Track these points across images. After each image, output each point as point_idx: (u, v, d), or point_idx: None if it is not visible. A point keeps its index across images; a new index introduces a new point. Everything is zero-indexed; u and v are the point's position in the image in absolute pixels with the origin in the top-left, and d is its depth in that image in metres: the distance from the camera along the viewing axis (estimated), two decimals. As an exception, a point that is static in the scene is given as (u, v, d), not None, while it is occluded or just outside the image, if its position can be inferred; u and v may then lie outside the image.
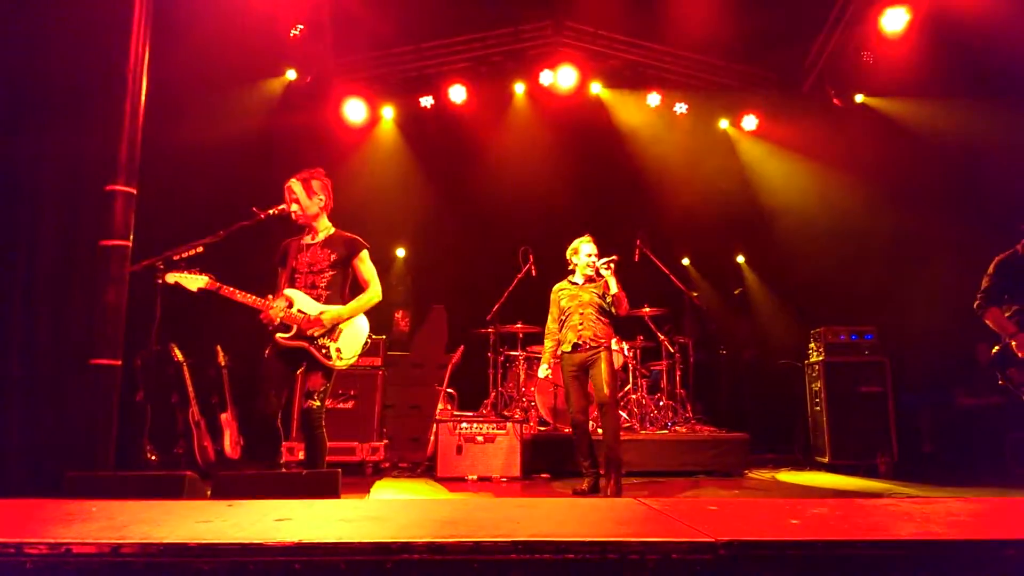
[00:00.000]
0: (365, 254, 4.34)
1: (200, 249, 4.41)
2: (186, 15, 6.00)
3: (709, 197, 9.50)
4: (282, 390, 4.14)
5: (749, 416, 8.44)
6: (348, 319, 4.15)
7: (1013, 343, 4.64)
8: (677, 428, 7.31)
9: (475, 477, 6.32)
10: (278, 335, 4.08)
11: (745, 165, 9.63)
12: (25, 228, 5.23)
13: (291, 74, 8.43)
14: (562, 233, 9.03)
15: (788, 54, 8.83)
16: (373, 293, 4.27)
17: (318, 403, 4.09)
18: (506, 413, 7.17)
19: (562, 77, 8.93)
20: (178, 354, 6.34)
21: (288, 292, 4.15)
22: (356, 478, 5.80)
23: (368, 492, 5.63)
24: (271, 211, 4.55)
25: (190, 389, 6.33)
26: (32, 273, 5.23)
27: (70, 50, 5.37)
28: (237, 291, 4.11)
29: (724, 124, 9.72)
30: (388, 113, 9.44)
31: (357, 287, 4.33)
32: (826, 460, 7.31)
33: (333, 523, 1.86)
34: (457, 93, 9.08)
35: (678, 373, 7.71)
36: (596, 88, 9.40)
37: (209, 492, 3.16)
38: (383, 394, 7.24)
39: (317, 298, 4.14)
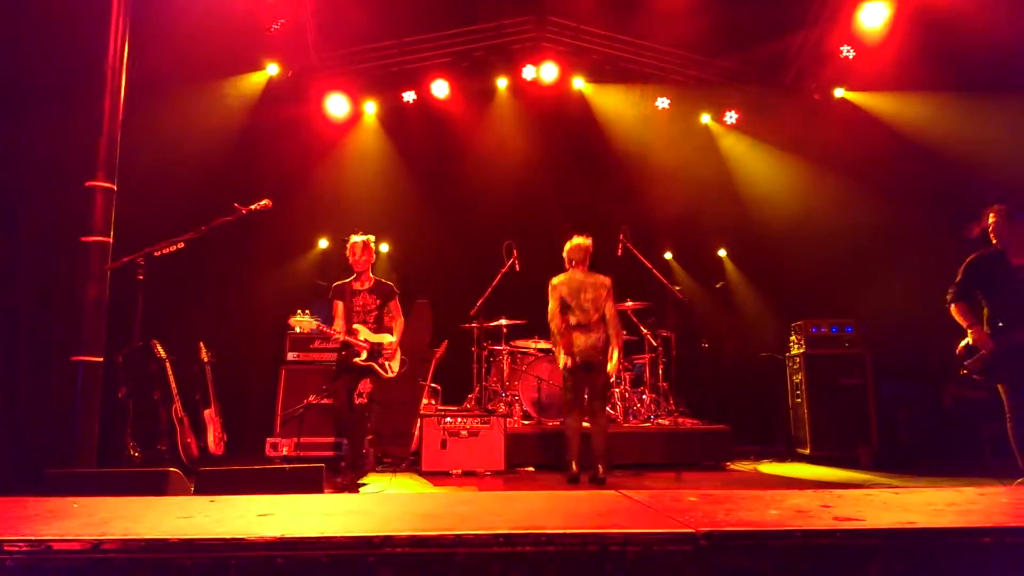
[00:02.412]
0: (397, 297, 5.91)
1: (181, 245, 4.41)
2: (165, 9, 5.94)
3: (691, 191, 9.53)
4: (343, 393, 5.55)
5: (731, 409, 8.51)
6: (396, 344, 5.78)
7: (970, 332, 4.76)
8: (660, 421, 7.36)
9: (459, 471, 6.33)
10: (355, 359, 5.57)
11: (727, 159, 9.68)
12: (3, 224, 5.17)
13: (272, 69, 8.37)
14: (546, 227, 9.05)
15: (769, 49, 8.88)
16: (402, 324, 5.88)
17: (368, 400, 5.57)
18: (490, 407, 7.18)
19: (544, 72, 8.94)
20: (161, 350, 6.29)
21: (356, 327, 5.63)
22: (338, 476, 5.81)
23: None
24: (252, 207, 4.54)
25: (173, 385, 6.28)
26: (11, 269, 5.17)
27: (48, 45, 5.31)
28: (334, 330, 5.57)
29: (706, 119, 9.76)
30: (370, 108, 9.40)
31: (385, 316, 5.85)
32: (807, 451, 7.38)
33: (316, 517, 1.86)
34: (440, 88, 9.07)
35: (661, 366, 7.76)
36: (578, 83, 9.40)
37: (192, 488, 3.15)
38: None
39: (371, 330, 5.68)
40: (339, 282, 5.85)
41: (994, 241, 4.89)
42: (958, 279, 4.91)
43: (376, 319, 5.73)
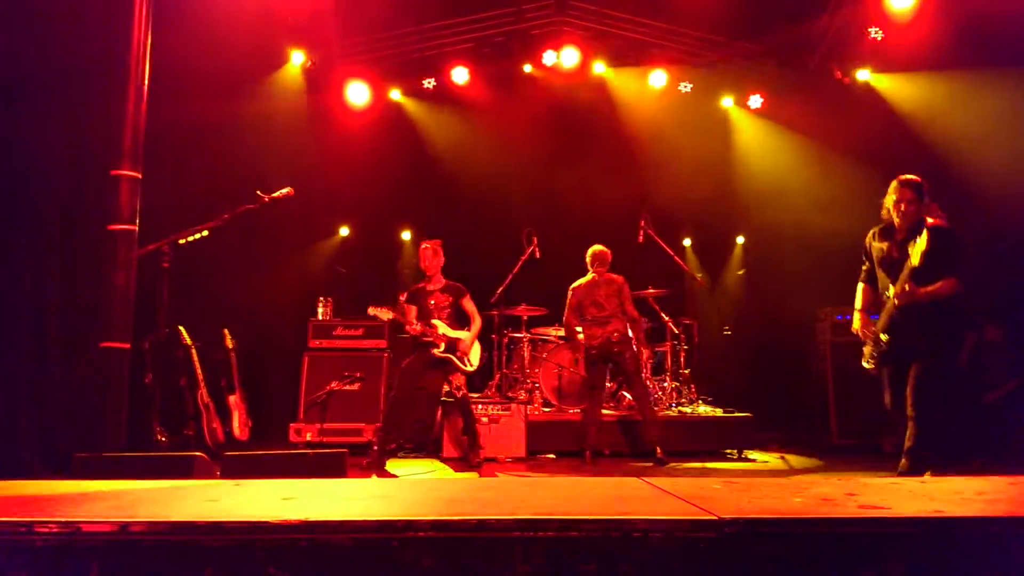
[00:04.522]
0: (468, 296, 6.26)
1: (205, 232, 4.44)
2: (188, -2, 5.97)
3: (714, 177, 9.45)
4: (407, 384, 5.98)
5: (754, 396, 8.44)
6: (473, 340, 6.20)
7: (855, 319, 4.59)
8: (682, 409, 7.32)
9: (482, 458, 6.36)
10: (434, 350, 5.95)
11: (750, 144, 9.55)
12: (31, 212, 5.24)
13: (295, 57, 8.39)
14: (566, 214, 9.01)
15: (794, 32, 8.72)
16: (479, 322, 6.28)
17: (465, 390, 6.07)
18: (511, 395, 7.19)
19: (565, 57, 8.85)
20: (186, 337, 6.36)
21: (435, 321, 6.01)
22: (364, 458, 5.86)
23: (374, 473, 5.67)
24: (274, 194, 4.56)
25: (198, 371, 6.35)
26: (40, 257, 5.25)
27: (73, 32, 5.35)
28: (411, 321, 5.95)
29: (728, 103, 9.64)
30: (391, 95, 9.40)
31: (463, 316, 6.25)
32: (832, 440, 7.31)
33: (339, 501, 1.88)
34: (460, 74, 9.03)
35: (682, 354, 7.71)
36: (599, 68, 9.30)
37: (218, 472, 3.19)
38: (389, 376, 7.27)
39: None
40: (412, 287, 6.36)
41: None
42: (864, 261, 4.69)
43: (449, 316, 6.11)
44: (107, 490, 1.99)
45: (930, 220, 4.27)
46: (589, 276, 6.50)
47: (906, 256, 4.23)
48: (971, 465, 5.80)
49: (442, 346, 5.94)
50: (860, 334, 4.55)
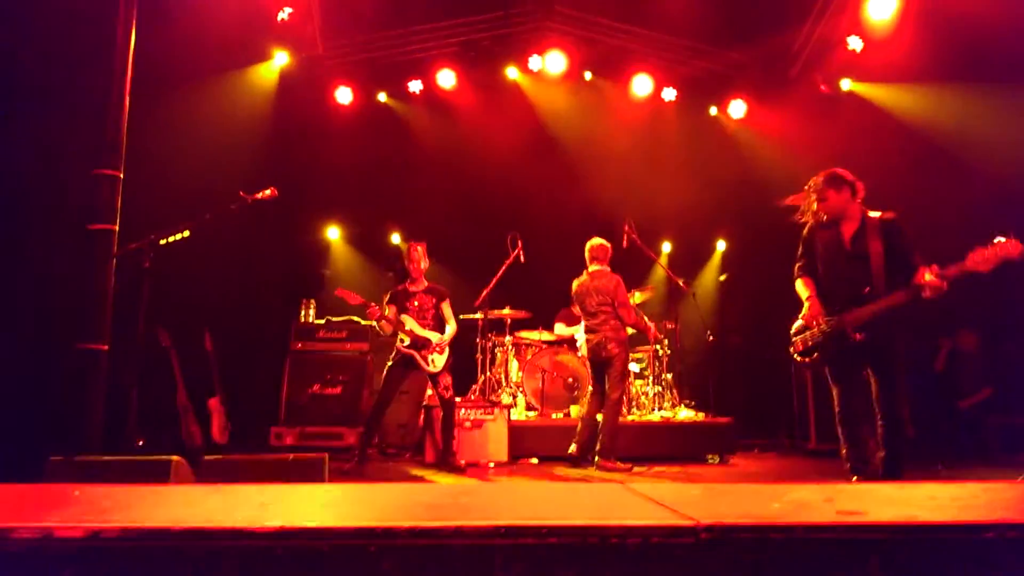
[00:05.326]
0: (448, 300, 6.25)
1: (187, 233, 4.41)
2: (172, -1, 5.94)
3: (698, 183, 9.50)
4: (392, 385, 6.00)
5: (736, 401, 8.48)
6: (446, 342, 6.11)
7: (805, 305, 4.35)
8: (664, 413, 7.35)
9: (463, 462, 6.34)
10: (399, 344, 5.95)
11: (732, 151, 9.63)
12: (8, 211, 5.18)
13: (279, 57, 8.36)
14: (551, 218, 9.02)
15: (776, 41, 8.81)
16: (454, 327, 6.19)
17: (452, 392, 6.09)
18: (494, 398, 7.19)
19: (551, 62, 8.90)
20: (166, 339, 6.30)
21: (404, 317, 6.00)
22: (345, 463, 5.82)
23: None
24: (257, 195, 4.54)
25: (178, 374, 6.29)
26: (17, 255, 5.18)
27: (56, 31, 5.30)
28: (373, 305, 5.86)
29: (713, 111, 9.72)
30: (377, 97, 9.38)
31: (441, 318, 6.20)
32: (812, 445, 7.37)
33: (317, 507, 1.86)
34: (446, 77, 9.04)
35: (665, 359, 7.74)
36: (585, 73, 9.35)
37: (196, 477, 3.15)
38: (371, 379, 7.24)
39: (424, 327, 6.04)
40: (395, 288, 6.33)
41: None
42: (798, 255, 4.55)
43: (434, 318, 6.13)
44: (80, 494, 1.96)
45: (874, 214, 4.29)
46: (584, 277, 6.43)
47: (862, 250, 4.16)
48: (935, 470, 5.86)
49: (407, 340, 5.92)
50: (814, 322, 4.27)
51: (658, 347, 7.71)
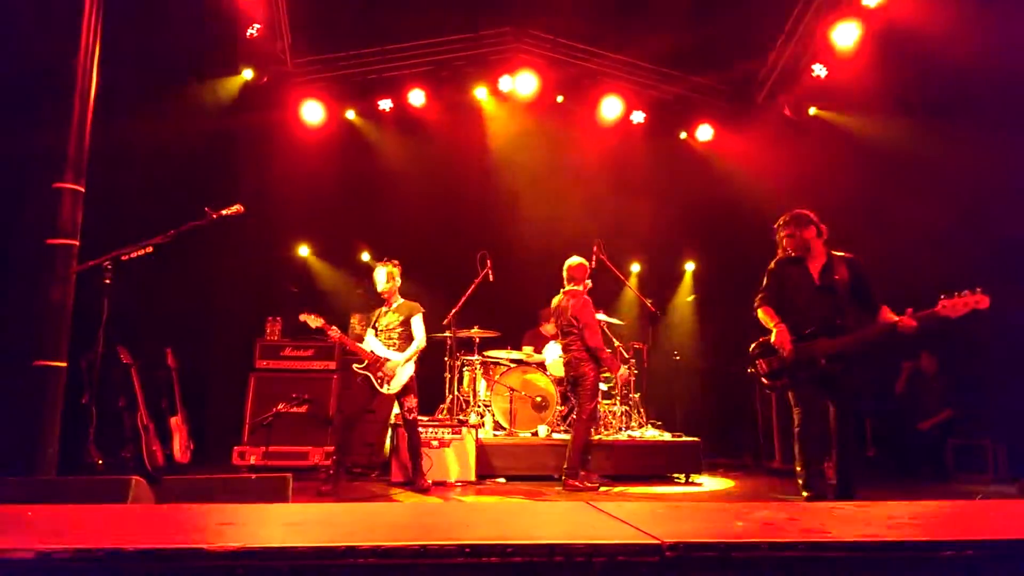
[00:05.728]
0: (418, 316, 6.11)
1: (150, 249, 4.35)
2: (139, 10, 5.87)
3: (667, 205, 9.62)
4: (356, 403, 5.98)
5: (702, 421, 8.56)
6: (403, 363, 5.96)
7: (774, 331, 4.59)
8: (631, 433, 7.37)
9: (430, 482, 6.28)
10: (355, 364, 5.96)
11: (701, 174, 9.77)
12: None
13: (247, 73, 8.31)
14: (519, 238, 9.05)
15: (743, 67, 9.01)
16: (419, 343, 6.04)
17: (416, 413, 6.03)
18: (461, 418, 7.15)
19: (521, 83, 8.97)
20: (126, 356, 6.17)
21: (367, 337, 6.08)
22: (309, 483, 5.73)
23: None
24: (223, 212, 4.49)
25: (138, 392, 6.16)
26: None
27: (18, 42, 5.22)
28: (332, 328, 5.89)
29: (682, 135, 9.87)
30: (346, 115, 9.37)
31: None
32: (776, 464, 7.44)
33: (279, 527, 1.83)
34: (416, 97, 9.07)
35: (632, 378, 7.78)
36: (555, 95, 9.44)
37: (156, 497, 3.08)
38: (338, 398, 7.16)
39: (390, 346, 5.99)
40: (375, 311, 6.32)
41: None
42: (763, 286, 4.84)
43: (402, 336, 6.03)
44: (33, 515, 1.91)
45: (838, 253, 4.66)
46: (560, 295, 6.47)
47: (830, 284, 4.49)
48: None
49: (364, 362, 5.89)
50: (782, 348, 4.52)
51: (624, 368, 7.74)
